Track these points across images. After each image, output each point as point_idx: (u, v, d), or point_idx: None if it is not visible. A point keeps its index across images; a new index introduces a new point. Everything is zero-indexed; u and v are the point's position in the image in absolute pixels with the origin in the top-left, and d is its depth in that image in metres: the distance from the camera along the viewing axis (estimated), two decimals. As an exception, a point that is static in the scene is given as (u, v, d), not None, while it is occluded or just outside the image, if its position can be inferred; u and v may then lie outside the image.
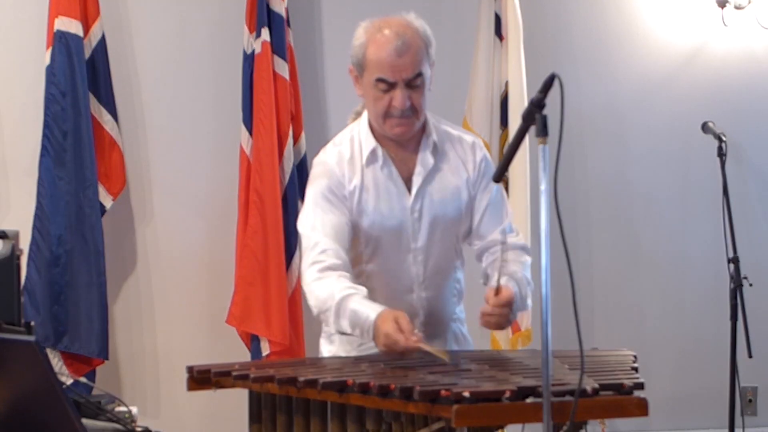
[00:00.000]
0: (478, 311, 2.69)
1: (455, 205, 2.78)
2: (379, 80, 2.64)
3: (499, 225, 2.81)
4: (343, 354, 2.81)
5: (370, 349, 2.73)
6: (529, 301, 2.79)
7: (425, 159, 2.75)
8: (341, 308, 2.57)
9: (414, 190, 2.74)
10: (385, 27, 2.67)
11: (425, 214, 2.75)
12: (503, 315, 2.58)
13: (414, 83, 2.64)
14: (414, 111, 2.67)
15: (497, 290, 2.57)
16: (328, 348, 2.88)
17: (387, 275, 2.75)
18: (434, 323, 2.84)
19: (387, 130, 2.70)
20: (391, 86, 2.64)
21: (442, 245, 2.79)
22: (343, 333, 2.67)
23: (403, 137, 2.72)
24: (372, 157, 2.73)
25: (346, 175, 2.73)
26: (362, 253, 2.77)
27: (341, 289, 2.59)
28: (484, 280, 2.86)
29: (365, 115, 2.78)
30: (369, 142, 2.74)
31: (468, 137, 2.86)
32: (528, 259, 2.82)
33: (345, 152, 2.76)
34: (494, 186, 2.81)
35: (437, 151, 2.77)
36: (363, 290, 2.62)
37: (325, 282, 2.62)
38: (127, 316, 4.46)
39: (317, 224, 2.70)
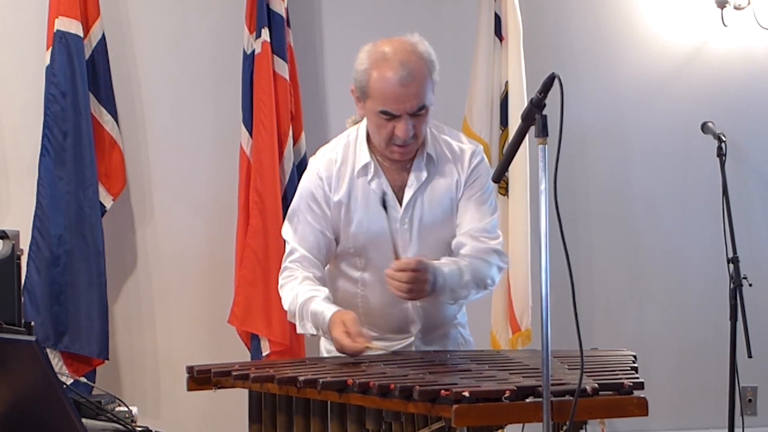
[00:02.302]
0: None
1: (445, 214, 2.78)
2: (383, 112, 2.61)
3: (478, 223, 2.77)
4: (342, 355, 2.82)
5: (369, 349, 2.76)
6: (472, 295, 2.74)
7: (419, 171, 2.74)
8: (304, 311, 2.67)
9: (405, 202, 2.74)
10: (390, 54, 2.60)
11: (415, 225, 2.75)
12: (403, 281, 2.56)
13: (418, 114, 2.63)
14: (416, 138, 2.67)
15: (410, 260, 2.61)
16: (328, 348, 2.88)
17: (381, 284, 2.75)
18: (432, 330, 2.86)
19: (387, 153, 2.71)
20: (394, 116, 2.62)
21: (435, 256, 2.77)
22: (311, 335, 2.74)
23: (403, 159, 2.73)
24: (363, 170, 2.74)
25: (333, 184, 2.74)
26: (356, 261, 2.80)
27: (303, 292, 2.69)
28: None
29: (365, 122, 2.77)
30: (363, 155, 2.74)
31: (468, 146, 2.83)
32: (497, 261, 2.77)
33: (336, 159, 2.76)
34: (482, 188, 2.79)
35: (432, 163, 2.76)
36: (324, 291, 2.69)
37: (289, 286, 2.74)
38: (127, 316, 4.46)
39: (298, 229, 2.78)
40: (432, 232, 2.77)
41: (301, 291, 2.70)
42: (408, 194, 2.74)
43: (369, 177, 2.73)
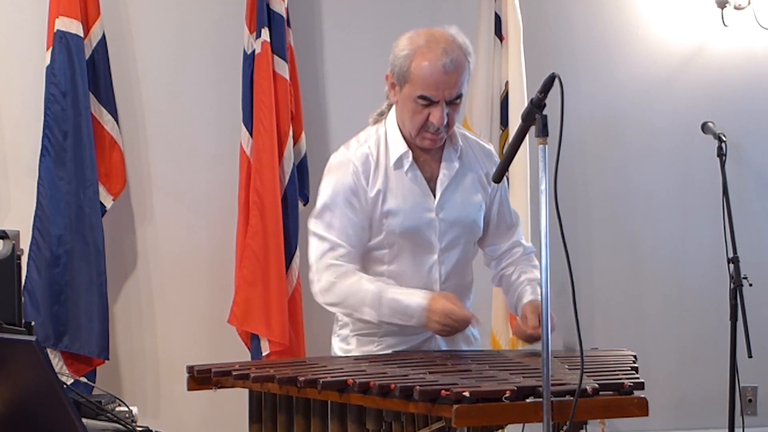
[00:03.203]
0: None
1: (476, 209, 2.83)
2: (422, 97, 2.64)
3: (511, 230, 2.93)
4: (360, 355, 2.81)
5: (386, 348, 2.78)
6: None
7: (450, 163, 2.79)
8: (381, 299, 2.65)
9: (438, 193, 2.77)
10: (432, 42, 2.65)
11: (449, 216, 2.78)
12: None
13: (454, 102, 2.67)
14: (447, 127, 2.70)
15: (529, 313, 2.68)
16: (344, 348, 2.88)
17: (407, 277, 2.76)
18: None
19: (417, 141, 2.73)
20: (432, 102, 2.65)
21: (463, 247, 2.83)
22: (369, 323, 2.72)
23: (432, 148, 2.75)
24: (399, 161, 2.75)
25: (371, 176, 2.74)
26: (384, 255, 2.78)
27: (372, 280, 2.69)
28: (497, 282, 2.98)
29: (392, 115, 2.79)
30: (399, 146, 2.75)
31: (485, 144, 2.93)
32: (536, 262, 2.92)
33: (371, 153, 2.76)
34: (504, 192, 2.91)
35: (460, 156, 2.81)
36: (391, 281, 2.73)
37: (350, 280, 2.69)
38: (127, 316, 4.46)
39: (335, 223, 2.72)
40: (464, 226, 2.81)
41: (367, 281, 2.68)
42: (442, 184, 2.77)
43: (406, 168, 2.75)
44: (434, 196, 2.77)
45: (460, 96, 2.67)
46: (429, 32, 2.69)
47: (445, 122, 2.66)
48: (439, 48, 2.63)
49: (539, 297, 2.71)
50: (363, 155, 2.75)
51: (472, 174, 2.82)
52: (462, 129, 2.88)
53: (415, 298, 2.65)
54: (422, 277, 2.77)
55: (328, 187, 2.76)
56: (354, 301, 2.69)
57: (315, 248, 2.75)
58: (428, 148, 2.75)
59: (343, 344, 2.89)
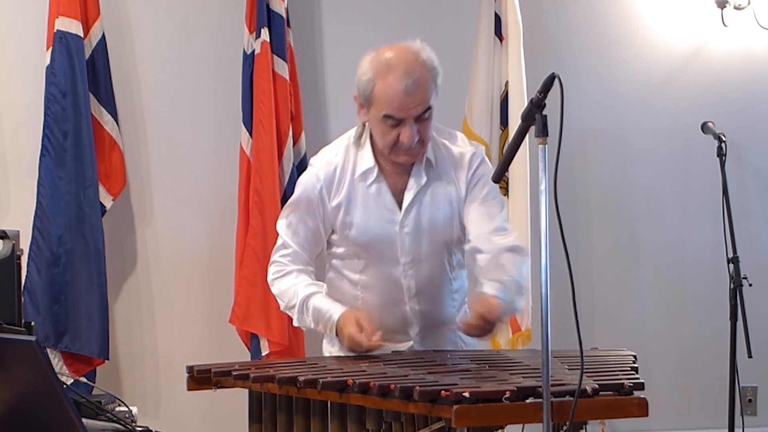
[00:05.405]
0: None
1: (446, 219, 2.77)
2: (387, 117, 2.62)
3: (487, 224, 2.75)
4: (343, 355, 2.82)
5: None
6: (521, 304, 2.75)
7: (419, 175, 2.75)
8: (305, 305, 2.75)
9: (404, 206, 2.74)
10: (393, 63, 2.60)
11: (415, 229, 2.75)
12: (485, 328, 2.58)
13: (422, 117, 2.63)
14: (421, 143, 2.67)
15: (483, 302, 2.56)
16: (329, 349, 2.90)
17: (379, 287, 2.78)
18: (431, 333, 2.85)
19: (392, 158, 2.71)
20: (399, 122, 2.62)
21: (434, 259, 2.79)
22: (307, 327, 2.81)
23: (409, 163, 2.73)
24: (363, 175, 2.75)
25: (335, 188, 2.76)
26: (355, 264, 2.81)
27: (304, 287, 2.77)
28: (473, 283, 2.83)
29: (368, 125, 2.76)
30: (367, 160, 2.74)
31: (467, 149, 2.81)
32: (521, 259, 2.75)
33: (337, 163, 2.77)
34: (487, 187, 2.78)
35: (431, 168, 2.76)
36: (323, 286, 2.80)
37: (284, 281, 2.81)
38: (127, 316, 4.46)
39: (292, 223, 2.83)
40: (431, 236, 2.76)
41: (300, 285, 2.78)
42: (408, 198, 2.74)
43: (369, 181, 2.74)
44: (400, 209, 2.75)
45: (428, 110, 2.63)
46: (390, 51, 2.63)
47: (416, 140, 2.63)
48: (400, 69, 2.58)
49: (498, 294, 2.60)
50: (327, 163, 2.78)
51: (443, 185, 2.76)
52: (444, 138, 2.80)
53: (333, 311, 2.70)
54: (390, 289, 2.76)
55: (296, 187, 2.87)
56: (288, 303, 2.80)
57: (277, 242, 2.89)
58: (405, 164, 2.72)
59: (329, 345, 2.91)
